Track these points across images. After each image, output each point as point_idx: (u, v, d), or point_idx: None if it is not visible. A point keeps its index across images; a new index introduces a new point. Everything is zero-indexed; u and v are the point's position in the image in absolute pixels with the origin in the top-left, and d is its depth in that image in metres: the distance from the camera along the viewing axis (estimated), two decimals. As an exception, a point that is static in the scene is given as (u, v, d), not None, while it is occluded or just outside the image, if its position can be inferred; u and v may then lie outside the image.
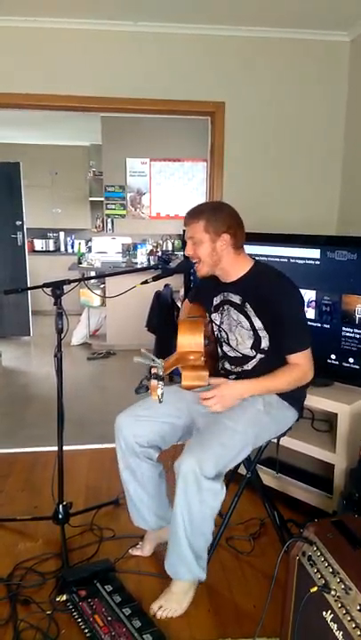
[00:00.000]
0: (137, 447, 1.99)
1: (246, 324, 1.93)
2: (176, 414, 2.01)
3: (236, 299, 1.95)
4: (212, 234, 1.86)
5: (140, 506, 2.06)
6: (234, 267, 1.93)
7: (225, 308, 2.00)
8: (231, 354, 2.02)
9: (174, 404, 2.01)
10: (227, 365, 2.05)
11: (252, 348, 1.95)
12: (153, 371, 1.67)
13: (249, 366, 1.97)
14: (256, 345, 1.94)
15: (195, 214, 1.90)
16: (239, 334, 1.96)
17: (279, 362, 1.90)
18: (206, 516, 1.77)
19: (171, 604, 1.85)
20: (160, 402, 1.70)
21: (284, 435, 2.08)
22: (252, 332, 1.93)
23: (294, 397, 1.99)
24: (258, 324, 1.91)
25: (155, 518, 2.08)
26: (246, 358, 1.97)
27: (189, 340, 1.95)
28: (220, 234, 1.86)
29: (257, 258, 2.01)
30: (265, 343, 1.92)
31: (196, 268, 1.96)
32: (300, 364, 1.88)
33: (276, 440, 2.11)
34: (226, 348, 2.04)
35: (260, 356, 1.95)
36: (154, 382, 1.66)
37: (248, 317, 1.93)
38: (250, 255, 2.00)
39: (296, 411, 2.02)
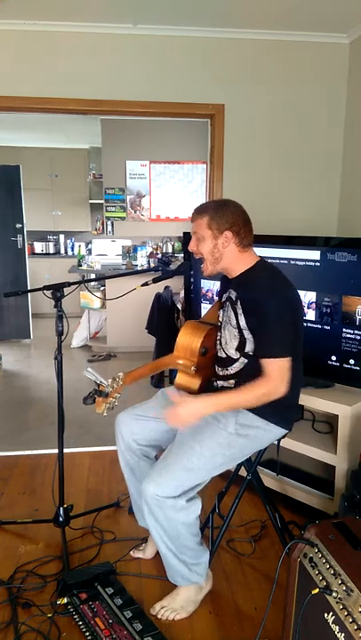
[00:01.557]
0: (134, 445, 2.01)
1: (234, 321, 1.88)
2: None
3: (233, 295, 1.91)
4: (214, 230, 1.84)
5: (140, 504, 2.06)
6: (237, 264, 1.89)
7: (226, 305, 1.95)
8: (219, 354, 1.98)
9: (167, 405, 2.01)
10: (216, 368, 2.00)
11: (236, 350, 1.89)
12: (100, 388, 1.77)
13: (232, 370, 1.91)
14: (240, 347, 1.87)
15: (200, 210, 1.88)
16: (228, 332, 1.91)
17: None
18: (181, 531, 1.79)
19: (175, 605, 1.87)
20: (104, 415, 1.83)
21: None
22: (237, 331, 1.87)
23: (277, 416, 1.89)
24: (243, 322, 1.85)
25: None
26: (230, 360, 1.91)
27: (185, 345, 1.96)
28: (222, 231, 1.83)
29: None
30: (249, 346, 1.85)
31: (201, 268, 1.94)
32: (270, 374, 1.77)
33: (276, 442, 2.10)
34: (217, 348, 2.00)
35: (243, 359, 1.87)
36: (98, 399, 1.79)
37: (236, 315, 1.87)
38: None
39: (282, 428, 1.93)
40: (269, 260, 2.02)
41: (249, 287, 1.84)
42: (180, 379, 2.00)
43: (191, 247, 1.92)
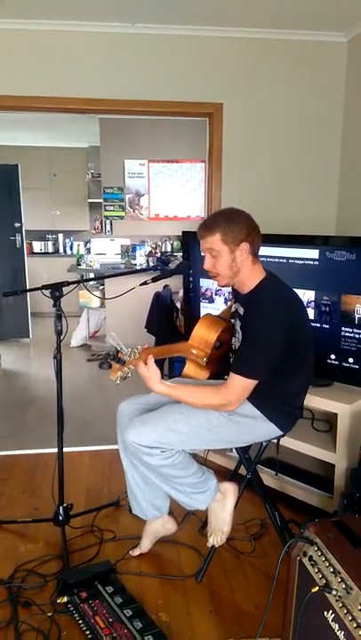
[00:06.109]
0: None
1: (239, 335, 1.89)
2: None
3: (241, 311, 1.90)
4: (230, 244, 1.78)
5: (136, 491, 2.08)
6: (249, 278, 1.84)
7: (235, 317, 1.96)
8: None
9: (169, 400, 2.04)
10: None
11: None
12: (119, 355, 1.77)
13: None
14: None
15: (210, 226, 1.81)
16: (238, 342, 1.92)
17: (264, 384, 1.81)
18: (163, 471, 1.88)
19: (214, 529, 2.00)
20: (117, 383, 1.85)
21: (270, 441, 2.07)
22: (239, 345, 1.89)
23: (275, 412, 1.91)
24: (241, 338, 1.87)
25: (150, 507, 2.09)
26: None
27: (202, 336, 1.98)
28: (238, 243, 1.77)
29: (263, 264, 1.93)
30: None
31: (214, 280, 1.89)
32: (232, 388, 1.77)
33: (275, 441, 2.11)
34: (231, 355, 2.02)
35: None
36: (115, 365, 1.79)
37: (242, 330, 1.88)
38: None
39: (277, 426, 1.92)
40: (269, 260, 2.02)
41: (253, 308, 1.81)
42: (189, 369, 2.02)
43: (207, 266, 1.85)
